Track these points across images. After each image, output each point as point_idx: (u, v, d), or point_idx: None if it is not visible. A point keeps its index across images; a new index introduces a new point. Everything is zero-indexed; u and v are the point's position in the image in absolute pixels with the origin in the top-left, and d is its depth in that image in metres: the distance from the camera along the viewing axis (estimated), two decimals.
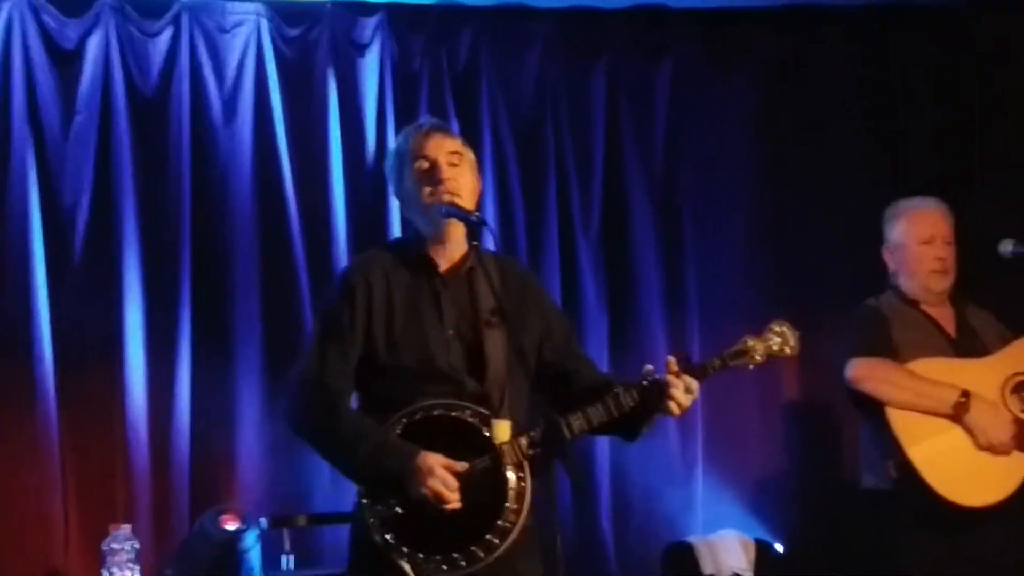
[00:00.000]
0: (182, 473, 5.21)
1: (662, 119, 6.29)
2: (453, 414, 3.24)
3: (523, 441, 3.21)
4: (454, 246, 3.39)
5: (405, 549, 3.15)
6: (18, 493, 4.97)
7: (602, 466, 5.94)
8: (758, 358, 3.35)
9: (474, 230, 3.31)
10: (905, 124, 6.37)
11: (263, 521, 4.89)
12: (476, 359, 3.31)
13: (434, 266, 3.38)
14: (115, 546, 4.64)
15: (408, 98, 5.82)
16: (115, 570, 4.62)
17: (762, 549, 5.83)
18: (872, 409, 4.51)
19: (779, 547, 5.94)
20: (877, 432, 4.52)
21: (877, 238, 4.87)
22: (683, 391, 3.24)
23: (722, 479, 6.11)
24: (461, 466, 3.16)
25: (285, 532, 4.97)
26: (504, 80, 6.05)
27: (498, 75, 6.03)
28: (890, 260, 4.74)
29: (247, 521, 4.92)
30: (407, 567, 3.14)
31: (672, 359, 3.27)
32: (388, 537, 3.16)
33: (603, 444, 5.88)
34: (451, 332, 3.33)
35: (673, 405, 3.24)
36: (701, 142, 6.33)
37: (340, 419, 3.25)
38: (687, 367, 3.28)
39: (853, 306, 4.83)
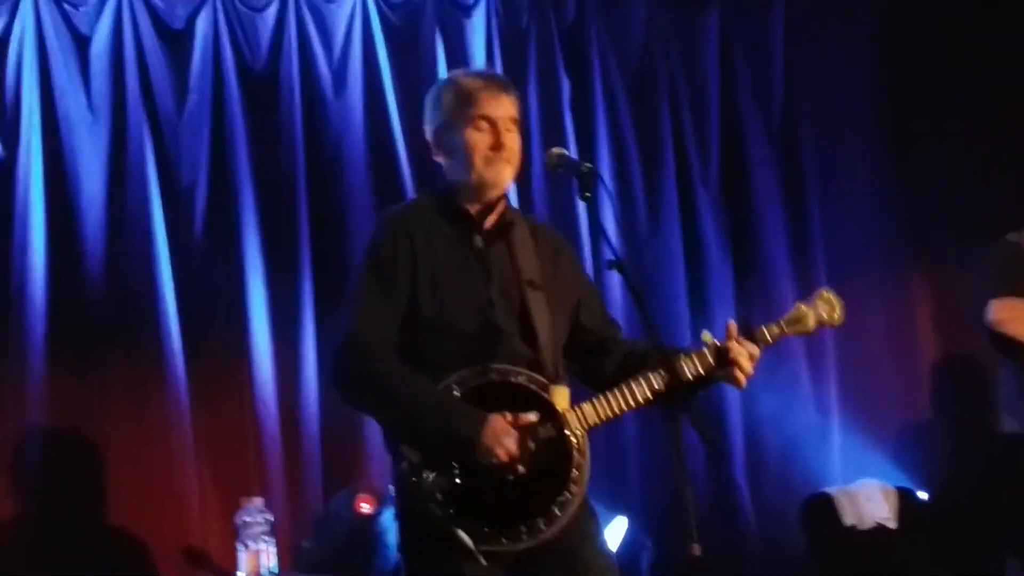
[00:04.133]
0: (313, 443, 5.22)
1: (779, 62, 6.17)
2: (511, 380, 3.14)
3: (587, 409, 3.14)
4: (494, 204, 3.32)
5: (466, 522, 3.02)
6: (152, 470, 5.02)
7: (734, 420, 5.85)
8: (811, 324, 3.30)
9: (586, 182, 3.21)
10: None
11: (391, 489, 4.85)
12: (523, 321, 3.22)
13: (474, 222, 3.30)
14: (248, 519, 4.66)
15: (516, 56, 5.76)
16: (250, 543, 4.63)
17: (905, 497, 5.69)
18: (1015, 352, 4.35)
19: (923, 495, 5.79)
20: (1019, 376, 4.36)
21: (1012, 173, 4.70)
22: (747, 358, 3.17)
23: (860, 428, 5.98)
24: (533, 416, 3.08)
25: None
26: (614, 32, 5.96)
27: (608, 28, 5.95)
28: None
29: (382, 503, 4.85)
30: (466, 539, 3.01)
31: (733, 323, 3.21)
32: (449, 510, 3.03)
33: (733, 398, 5.79)
34: (495, 290, 3.23)
35: (738, 372, 3.16)
36: (820, 84, 6.20)
37: (398, 380, 3.13)
38: (747, 334, 3.21)
39: (988, 244, 4.66)
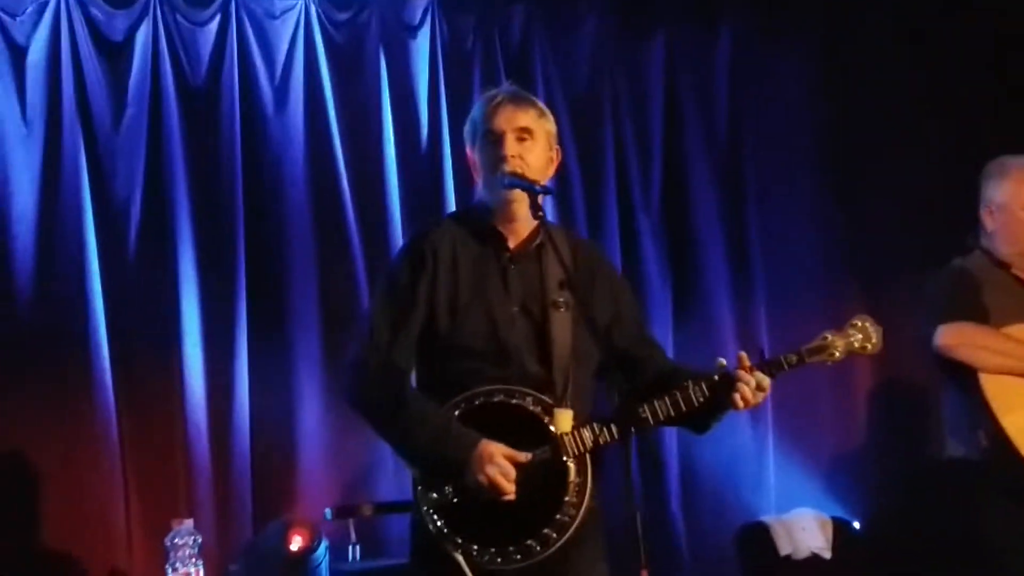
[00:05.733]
0: (243, 465, 5.16)
1: (723, 91, 6.20)
2: (514, 401, 3.14)
3: (585, 434, 3.11)
4: (522, 221, 3.28)
5: (459, 540, 3.09)
6: (79, 490, 4.93)
7: (670, 448, 5.85)
8: (838, 355, 3.24)
9: (537, 202, 3.18)
10: (967, 83, 6.20)
11: (327, 512, 4.82)
12: (541, 341, 3.20)
13: (503, 240, 3.28)
14: (178, 541, 4.57)
15: (461, 79, 5.73)
16: (179, 565, 4.55)
17: (839, 527, 5.70)
18: (963, 377, 4.29)
19: (856, 524, 5.79)
20: (967, 400, 4.30)
21: (950, 201, 4.70)
22: (753, 389, 3.12)
23: (794, 457, 5.98)
24: (523, 456, 3.07)
25: (351, 522, 4.90)
26: (558, 57, 5.96)
27: (552, 52, 5.94)
28: (989, 220, 4.38)
29: (315, 538, 4.79)
30: (460, 558, 3.07)
31: (744, 355, 3.16)
32: (442, 527, 3.10)
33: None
34: (516, 309, 3.22)
35: (740, 401, 3.12)
36: (764, 112, 6.22)
37: (403, 400, 3.15)
38: (761, 363, 3.17)
39: (927, 274, 4.64)
